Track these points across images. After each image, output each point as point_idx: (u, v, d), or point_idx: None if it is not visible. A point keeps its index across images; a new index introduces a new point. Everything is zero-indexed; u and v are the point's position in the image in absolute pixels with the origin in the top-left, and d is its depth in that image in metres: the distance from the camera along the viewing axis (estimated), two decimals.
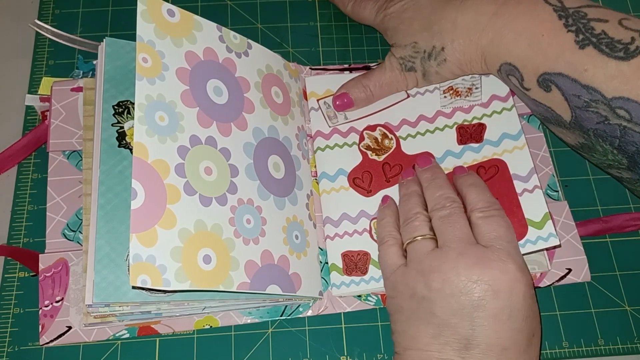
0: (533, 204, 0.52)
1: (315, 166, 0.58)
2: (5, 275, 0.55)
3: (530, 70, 0.51)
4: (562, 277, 0.55)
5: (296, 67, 0.62)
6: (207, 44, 0.51)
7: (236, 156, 0.50)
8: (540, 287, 0.55)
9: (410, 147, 0.58)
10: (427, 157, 0.55)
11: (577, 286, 0.57)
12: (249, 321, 0.54)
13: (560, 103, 0.50)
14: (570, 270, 0.55)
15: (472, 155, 0.56)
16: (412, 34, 0.56)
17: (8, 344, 0.52)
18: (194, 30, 0.50)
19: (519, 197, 0.53)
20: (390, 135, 0.59)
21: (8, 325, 0.53)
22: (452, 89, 0.59)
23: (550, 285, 0.55)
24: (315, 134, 0.60)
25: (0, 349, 0.52)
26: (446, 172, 0.55)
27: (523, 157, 0.54)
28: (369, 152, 0.58)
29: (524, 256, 0.49)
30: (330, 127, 0.60)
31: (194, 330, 0.54)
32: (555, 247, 0.51)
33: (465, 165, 0.56)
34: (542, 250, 0.52)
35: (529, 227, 0.51)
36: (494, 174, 0.55)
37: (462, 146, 0.57)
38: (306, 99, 0.61)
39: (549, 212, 0.51)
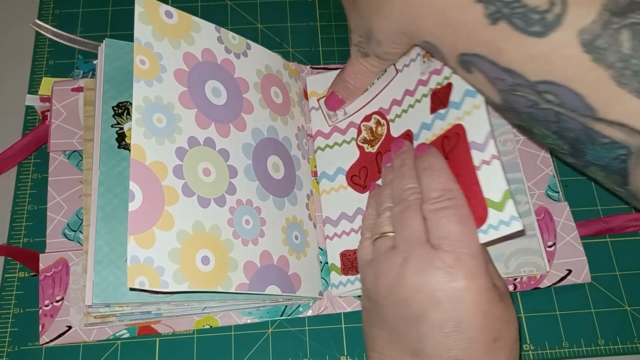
0: (491, 180, 0.43)
1: (315, 166, 0.58)
2: (5, 275, 0.55)
3: (448, 50, 0.43)
4: (562, 278, 0.55)
5: (296, 66, 0.62)
6: (206, 45, 0.51)
7: (235, 157, 0.50)
8: (540, 288, 0.55)
9: (397, 129, 0.54)
10: (399, 141, 0.51)
11: (577, 286, 0.56)
12: (249, 321, 0.54)
13: (486, 86, 0.42)
14: (570, 271, 0.55)
15: (440, 124, 0.48)
16: (353, 18, 0.51)
17: (8, 344, 0.53)
18: (192, 31, 0.50)
19: (477, 172, 0.44)
20: (382, 121, 0.56)
21: (8, 325, 0.53)
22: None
23: (551, 286, 0.55)
24: (316, 134, 0.59)
25: (0, 349, 0.52)
26: None
27: (480, 118, 0.45)
28: (365, 146, 0.57)
29: (492, 244, 0.45)
30: (330, 125, 0.59)
31: (194, 330, 0.54)
32: (518, 232, 0.42)
33: (434, 137, 0.49)
34: (506, 236, 0.42)
35: (489, 209, 0.42)
36: (455, 144, 0.46)
37: (432, 115, 0.50)
38: (307, 99, 0.61)
39: (509, 189, 0.42)
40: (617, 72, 0.34)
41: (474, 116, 0.45)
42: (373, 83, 0.56)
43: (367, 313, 0.46)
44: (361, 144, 0.57)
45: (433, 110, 0.50)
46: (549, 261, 0.55)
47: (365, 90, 0.57)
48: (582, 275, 0.55)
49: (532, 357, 0.54)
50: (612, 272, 0.58)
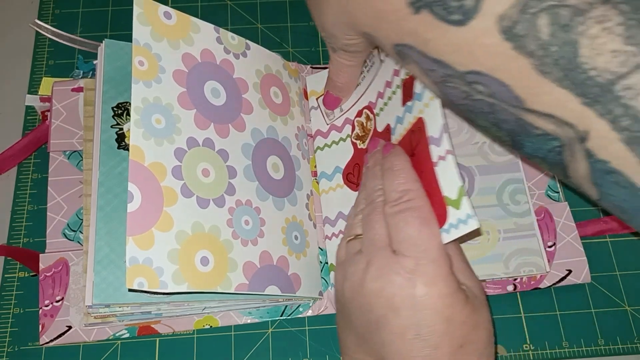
0: (447, 176, 0.41)
1: (315, 166, 0.58)
2: (5, 275, 0.55)
3: (384, 41, 0.41)
4: (562, 278, 0.55)
5: (296, 66, 0.62)
6: (205, 45, 0.51)
7: (234, 157, 0.50)
8: (540, 288, 0.55)
9: (381, 123, 0.53)
10: (375, 140, 0.50)
11: (577, 286, 0.56)
12: (249, 321, 0.54)
13: (422, 77, 0.40)
14: (570, 271, 0.55)
15: (409, 117, 0.47)
16: (312, 15, 0.50)
17: (8, 344, 0.53)
18: (191, 32, 0.50)
19: (435, 168, 0.42)
20: (371, 116, 0.55)
21: (8, 325, 0.53)
22: None
23: (551, 286, 0.55)
24: (316, 133, 0.59)
25: (0, 349, 0.52)
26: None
27: (435, 111, 0.43)
28: (358, 142, 0.56)
29: (459, 242, 0.43)
30: (328, 124, 0.59)
31: (194, 330, 0.54)
32: (474, 231, 0.40)
33: (405, 131, 0.47)
34: (465, 234, 0.40)
35: (448, 208, 0.40)
36: (419, 140, 0.44)
37: (403, 108, 0.48)
38: (307, 99, 0.61)
39: (463, 185, 0.40)
40: (538, 61, 0.32)
41: (431, 108, 0.44)
42: (364, 76, 0.56)
43: (338, 316, 0.46)
44: (355, 140, 0.57)
45: (404, 102, 0.48)
46: (549, 261, 0.55)
47: (358, 85, 0.56)
48: (582, 275, 0.55)
49: (532, 357, 0.54)
50: (612, 272, 0.57)
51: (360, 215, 0.45)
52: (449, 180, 0.41)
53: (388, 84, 0.52)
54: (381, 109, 0.53)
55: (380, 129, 0.53)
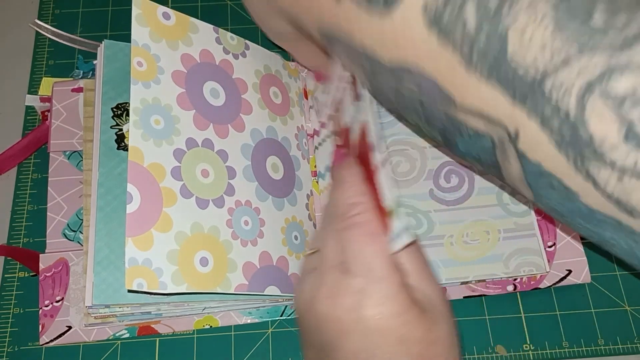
0: (385, 185, 0.39)
1: (315, 166, 0.58)
2: (5, 275, 0.55)
3: (312, 32, 0.39)
4: (562, 278, 0.55)
5: (296, 66, 0.62)
6: (204, 46, 0.51)
7: (234, 158, 0.50)
8: (540, 288, 0.55)
9: (345, 121, 0.49)
10: (337, 151, 0.47)
11: (577, 286, 0.56)
12: (249, 321, 0.54)
13: (353, 69, 0.38)
14: (570, 271, 0.55)
15: (358, 118, 0.44)
16: None
17: (8, 344, 0.53)
18: (190, 32, 0.50)
19: (375, 177, 0.40)
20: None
21: (8, 325, 0.53)
22: None
23: (551, 286, 0.55)
24: (314, 133, 0.59)
25: (0, 349, 0.52)
26: None
27: (372, 114, 0.41)
28: (337, 139, 0.55)
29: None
30: (319, 121, 0.59)
31: (194, 330, 0.54)
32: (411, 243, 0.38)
33: (359, 132, 0.44)
34: (408, 246, 0.38)
35: (389, 218, 0.38)
36: (365, 145, 0.42)
37: (353, 107, 0.45)
38: (306, 98, 0.61)
39: (398, 195, 0.39)
40: (465, 56, 0.30)
41: (369, 111, 0.42)
42: None
43: (299, 330, 0.44)
44: (335, 137, 0.56)
45: (354, 99, 0.46)
46: (548, 261, 0.55)
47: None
48: (582, 275, 0.55)
49: (532, 357, 0.54)
50: (612, 272, 0.57)
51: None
52: (386, 190, 0.39)
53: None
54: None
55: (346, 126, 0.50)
